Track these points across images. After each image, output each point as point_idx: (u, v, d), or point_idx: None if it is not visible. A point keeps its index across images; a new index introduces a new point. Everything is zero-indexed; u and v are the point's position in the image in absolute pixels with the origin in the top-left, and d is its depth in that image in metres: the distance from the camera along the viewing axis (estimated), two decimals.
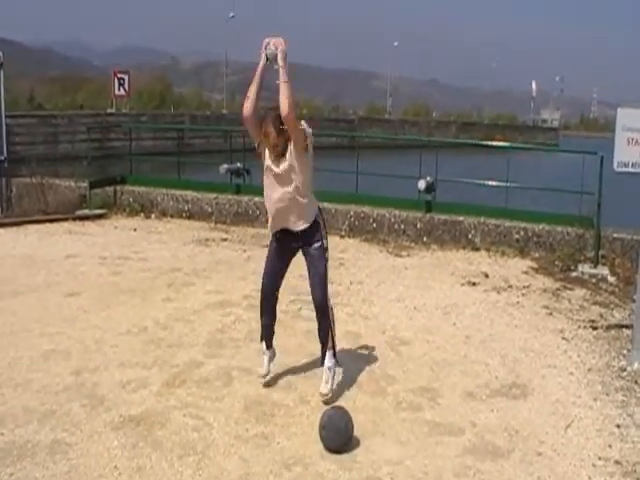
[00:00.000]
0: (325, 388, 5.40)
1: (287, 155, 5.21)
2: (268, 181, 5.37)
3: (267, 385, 5.65)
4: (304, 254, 5.52)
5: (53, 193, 13.31)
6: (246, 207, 12.59)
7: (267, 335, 5.72)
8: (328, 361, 5.52)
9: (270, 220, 5.51)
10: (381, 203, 12.15)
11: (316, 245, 5.43)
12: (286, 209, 5.33)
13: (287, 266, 5.63)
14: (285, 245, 5.52)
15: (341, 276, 9.03)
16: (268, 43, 5.17)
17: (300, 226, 5.39)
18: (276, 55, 5.14)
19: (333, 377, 5.51)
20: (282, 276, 5.62)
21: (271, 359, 5.73)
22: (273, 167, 5.28)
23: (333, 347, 5.57)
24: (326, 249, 5.50)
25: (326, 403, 5.30)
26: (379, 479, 4.41)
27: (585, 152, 11.08)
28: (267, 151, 5.30)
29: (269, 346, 5.74)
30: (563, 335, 7.22)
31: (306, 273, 5.58)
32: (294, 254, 5.60)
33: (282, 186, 5.29)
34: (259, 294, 5.69)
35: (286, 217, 5.37)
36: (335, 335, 5.61)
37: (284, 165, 5.23)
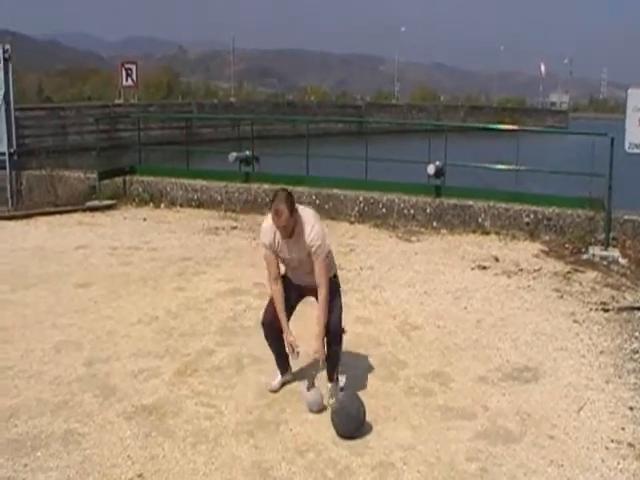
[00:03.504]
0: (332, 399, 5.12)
1: (300, 246, 4.96)
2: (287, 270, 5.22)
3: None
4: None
5: (63, 185, 13.34)
6: (255, 195, 12.58)
7: (280, 364, 5.45)
8: (334, 385, 5.25)
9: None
10: (390, 188, 12.13)
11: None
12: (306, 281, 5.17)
13: (297, 303, 5.38)
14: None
15: (351, 262, 9.03)
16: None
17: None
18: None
19: (337, 386, 5.25)
20: (290, 312, 5.29)
21: (286, 380, 5.49)
22: (288, 260, 5.10)
23: (337, 371, 5.30)
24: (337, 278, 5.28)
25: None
26: (391, 464, 4.42)
27: (595, 134, 11.01)
28: (277, 253, 5.08)
29: (284, 372, 5.48)
30: (574, 318, 7.19)
31: None
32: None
33: (302, 272, 5.13)
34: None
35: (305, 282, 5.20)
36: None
37: (299, 255, 5.00)
